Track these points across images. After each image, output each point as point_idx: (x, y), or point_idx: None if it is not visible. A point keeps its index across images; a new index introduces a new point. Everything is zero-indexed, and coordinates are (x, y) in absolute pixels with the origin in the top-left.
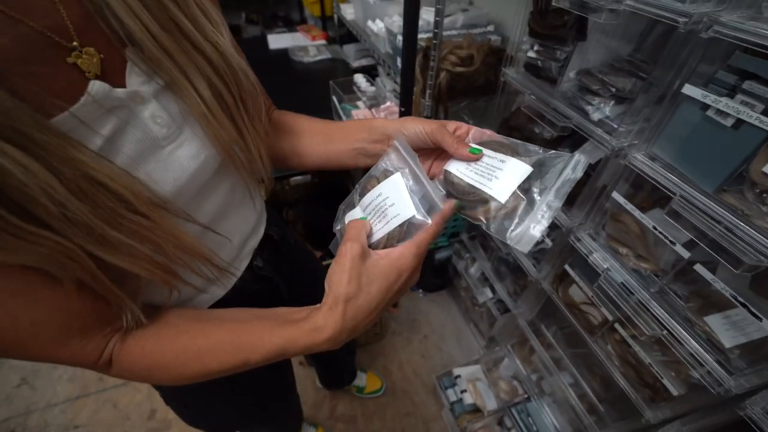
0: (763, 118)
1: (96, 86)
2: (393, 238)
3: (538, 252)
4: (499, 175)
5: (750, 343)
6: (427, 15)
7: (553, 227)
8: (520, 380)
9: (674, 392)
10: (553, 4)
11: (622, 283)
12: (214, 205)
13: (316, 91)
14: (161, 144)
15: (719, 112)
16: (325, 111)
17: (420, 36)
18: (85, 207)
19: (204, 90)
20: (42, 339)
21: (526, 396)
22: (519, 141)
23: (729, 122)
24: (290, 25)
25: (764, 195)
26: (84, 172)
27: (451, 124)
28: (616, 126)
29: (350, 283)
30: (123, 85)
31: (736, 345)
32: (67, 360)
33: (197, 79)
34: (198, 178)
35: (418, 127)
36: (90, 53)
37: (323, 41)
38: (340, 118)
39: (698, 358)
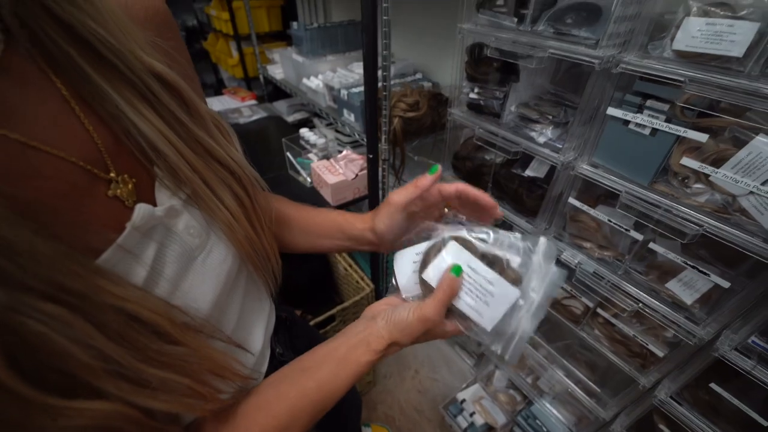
0: (669, 125)
1: (142, 210)
2: (459, 316)
3: None
4: (488, 300)
5: (703, 296)
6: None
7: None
8: (517, 386)
9: (660, 354)
10: (487, 54)
11: (594, 272)
12: (236, 310)
13: (263, 150)
14: (194, 255)
15: (637, 124)
16: (280, 167)
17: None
18: (122, 350)
19: (227, 198)
20: None
21: (527, 401)
22: (499, 232)
23: (647, 131)
24: (206, 89)
25: (685, 180)
26: (121, 307)
27: (421, 180)
28: (559, 145)
29: (409, 338)
30: (154, 203)
31: (695, 300)
32: None
33: (221, 189)
34: (227, 281)
35: (392, 217)
36: (125, 181)
37: (254, 101)
38: (297, 172)
39: (671, 319)
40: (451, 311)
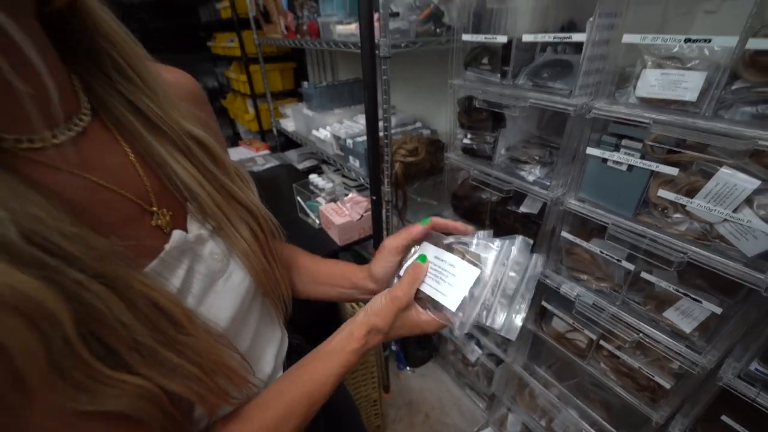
0: (643, 161)
1: (177, 235)
2: (429, 302)
3: None
4: (450, 281)
5: (701, 324)
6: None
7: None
8: (531, 429)
9: (666, 386)
10: (476, 105)
11: (593, 303)
12: (250, 331)
13: (276, 195)
14: (216, 277)
15: (614, 162)
16: (291, 211)
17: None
18: (146, 330)
19: (244, 231)
20: None
21: None
22: (472, 236)
23: (624, 167)
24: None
25: (665, 211)
26: (147, 294)
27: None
28: (548, 183)
29: (385, 322)
30: (186, 231)
31: (694, 328)
32: None
33: (239, 224)
34: (243, 302)
35: (387, 260)
36: (164, 213)
37: (267, 151)
38: (307, 214)
39: (672, 348)
40: (422, 299)
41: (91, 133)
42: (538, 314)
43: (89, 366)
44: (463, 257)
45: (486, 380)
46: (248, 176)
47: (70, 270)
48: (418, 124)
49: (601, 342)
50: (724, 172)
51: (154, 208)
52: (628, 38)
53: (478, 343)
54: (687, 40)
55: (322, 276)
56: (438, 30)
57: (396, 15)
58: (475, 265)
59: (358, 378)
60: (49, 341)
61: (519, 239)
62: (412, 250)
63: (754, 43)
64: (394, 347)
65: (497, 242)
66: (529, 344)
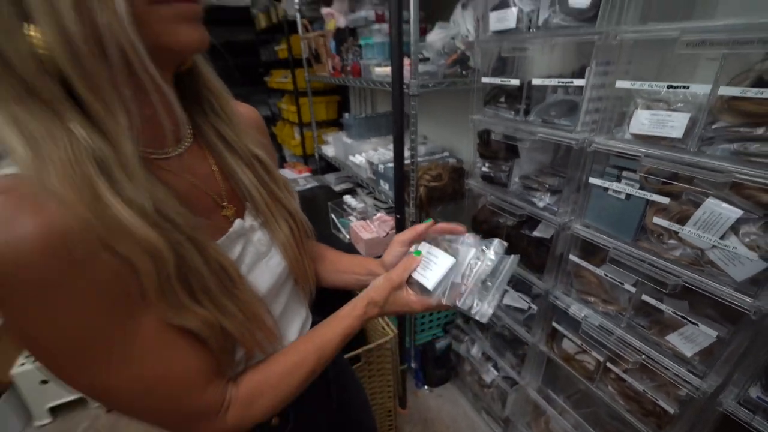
0: (640, 191)
1: (237, 223)
2: (417, 287)
3: (527, 318)
4: (432, 267)
5: (704, 349)
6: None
7: (534, 295)
8: None
9: (671, 411)
10: (493, 138)
11: (599, 325)
12: (281, 303)
13: (313, 212)
14: (261, 258)
15: (614, 191)
16: (325, 227)
17: None
18: (214, 278)
19: (284, 228)
20: (189, 384)
21: None
22: (462, 236)
23: (623, 196)
24: None
25: (660, 237)
26: (213, 254)
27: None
28: (556, 209)
29: (380, 296)
30: (243, 221)
31: (695, 353)
32: (206, 405)
33: (281, 222)
34: (278, 280)
35: (396, 250)
36: (229, 207)
37: (308, 173)
38: (339, 230)
39: (674, 371)
40: (412, 284)
41: (191, 151)
42: (549, 335)
43: (178, 295)
44: (446, 251)
45: (501, 403)
46: (293, 189)
47: (175, 232)
48: (446, 154)
49: (608, 364)
50: (711, 201)
51: (225, 204)
52: (620, 84)
53: (495, 365)
54: (669, 87)
55: (343, 265)
56: (464, 72)
57: (426, 60)
58: (453, 256)
59: (374, 385)
60: (159, 272)
61: (496, 241)
62: (413, 246)
63: (725, 90)
64: (413, 365)
65: (476, 241)
66: (543, 367)
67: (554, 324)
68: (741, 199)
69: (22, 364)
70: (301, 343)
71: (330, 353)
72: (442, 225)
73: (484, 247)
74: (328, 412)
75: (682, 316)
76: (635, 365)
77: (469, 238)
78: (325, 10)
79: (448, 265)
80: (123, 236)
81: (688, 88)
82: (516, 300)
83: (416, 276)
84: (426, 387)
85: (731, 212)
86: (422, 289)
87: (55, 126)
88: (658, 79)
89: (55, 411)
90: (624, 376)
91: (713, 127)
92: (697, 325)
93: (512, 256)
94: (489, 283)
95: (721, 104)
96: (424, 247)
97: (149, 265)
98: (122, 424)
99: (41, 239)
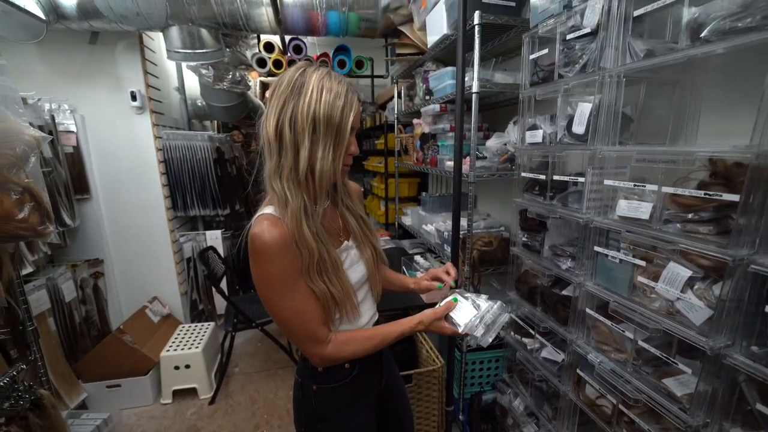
0: (624, 256)
1: (345, 243)
2: (450, 321)
3: (558, 369)
4: (463, 312)
5: (692, 393)
6: (462, 221)
7: (560, 347)
8: None
9: None
10: (528, 215)
11: (611, 369)
12: (361, 296)
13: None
14: (354, 264)
15: (610, 257)
16: None
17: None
18: (330, 269)
19: (368, 252)
20: (313, 319)
21: None
22: (479, 295)
23: (617, 261)
24: None
25: (645, 292)
26: (329, 251)
27: (449, 268)
28: (575, 270)
29: (428, 319)
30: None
31: (684, 394)
32: (319, 336)
33: (368, 248)
34: (361, 279)
35: (423, 280)
36: (343, 236)
37: (388, 238)
38: None
39: (665, 407)
40: (447, 318)
41: (330, 208)
42: (576, 383)
43: (312, 273)
44: (472, 303)
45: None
46: (377, 234)
47: (320, 243)
48: (502, 228)
49: (621, 407)
50: (671, 264)
51: (341, 234)
52: (607, 182)
53: (537, 422)
54: (635, 185)
55: (391, 277)
56: (512, 167)
57: (483, 158)
58: (476, 308)
59: (421, 409)
60: (311, 260)
61: (499, 302)
62: (449, 295)
63: (666, 189)
64: (461, 417)
65: (489, 301)
66: (576, 419)
67: (578, 371)
68: (687, 263)
69: (168, 350)
70: (376, 329)
71: (389, 341)
72: (448, 270)
73: (493, 304)
74: (377, 377)
75: (663, 355)
76: (636, 402)
77: (483, 299)
78: (415, 120)
79: (472, 314)
80: (304, 241)
81: (644, 186)
82: (552, 353)
83: (452, 315)
84: None
85: (684, 271)
86: (453, 323)
87: (297, 196)
88: (631, 180)
89: (175, 394)
90: (637, 420)
91: (666, 212)
92: (677, 364)
93: (507, 313)
94: (491, 326)
95: (668, 198)
96: (459, 297)
97: (307, 255)
98: (219, 413)
99: (278, 237)
